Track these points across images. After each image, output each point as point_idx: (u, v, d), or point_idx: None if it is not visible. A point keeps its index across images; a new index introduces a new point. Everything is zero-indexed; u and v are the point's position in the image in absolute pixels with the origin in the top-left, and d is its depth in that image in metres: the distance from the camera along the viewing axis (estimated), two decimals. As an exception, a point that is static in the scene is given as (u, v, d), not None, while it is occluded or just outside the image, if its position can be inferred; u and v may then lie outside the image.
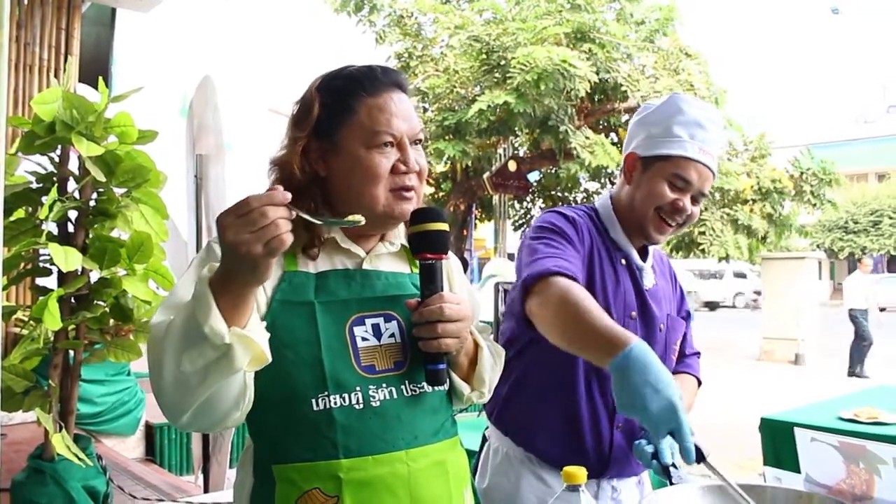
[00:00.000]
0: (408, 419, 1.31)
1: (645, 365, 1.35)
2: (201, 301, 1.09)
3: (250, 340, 1.10)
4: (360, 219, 1.20)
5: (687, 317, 2.02)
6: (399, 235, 1.44)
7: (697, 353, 2.04)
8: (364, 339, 1.32)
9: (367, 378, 1.30)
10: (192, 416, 1.19)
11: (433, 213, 1.34)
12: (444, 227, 1.33)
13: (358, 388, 1.28)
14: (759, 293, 21.15)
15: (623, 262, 1.84)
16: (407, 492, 1.27)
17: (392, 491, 1.26)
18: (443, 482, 1.34)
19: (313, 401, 1.26)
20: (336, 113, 1.35)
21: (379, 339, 1.33)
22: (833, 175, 12.90)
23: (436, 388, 1.35)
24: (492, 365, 1.48)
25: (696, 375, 1.98)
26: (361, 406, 1.27)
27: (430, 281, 1.31)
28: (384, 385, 1.31)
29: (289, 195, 1.07)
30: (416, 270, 1.40)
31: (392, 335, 1.35)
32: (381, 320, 1.34)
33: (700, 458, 1.40)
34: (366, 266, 1.38)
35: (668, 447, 1.55)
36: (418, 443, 1.31)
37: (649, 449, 1.55)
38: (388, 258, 1.43)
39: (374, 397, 1.29)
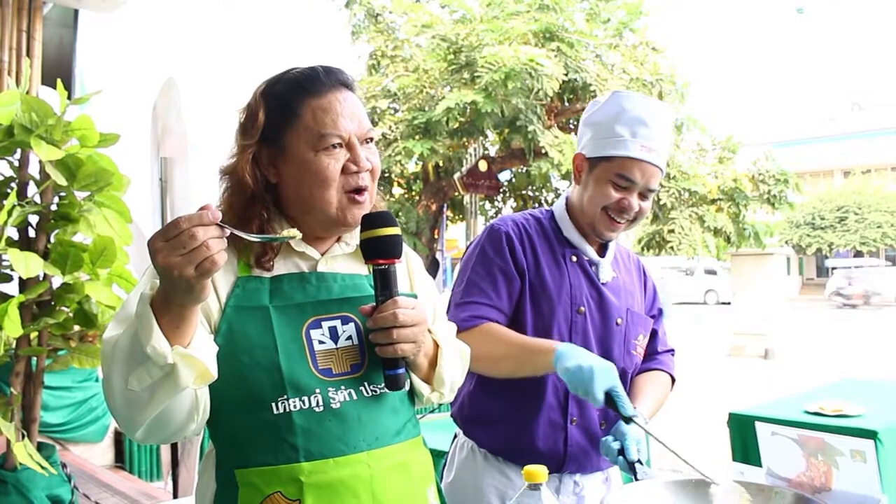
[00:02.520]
0: (368, 420, 1.30)
1: (574, 352, 1.64)
2: (143, 321, 1.08)
3: (193, 359, 1.10)
4: (295, 234, 1.19)
5: (659, 314, 2.05)
6: (355, 236, 1.40)
7: (671, 350, 2.06)
8: (321, 342, 1.31)
9: (326, 381, 1.29)
10: (146, 431, 1.19)
11: (383, 217, 1.31)
12: (396, 231, 1.30)
13: (317, 391, 1.27)
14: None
15: (573, 259, 1.87)
16: (369, 493, 1.27)
17: (354, 493, 1.25)
18: (405, 483, 1.34)
19: (273, 404, 1.25)
20: (281, 118, 1.33)
21: (336, 342, 1.32)
22: (788, 175, 13.07)
23: (393, 390, 1.33)
24: (454, 365, 1.48)
25: (669, 372, 2.00)
26: (321, 408, 1.27)
27: (384, 286, 1.29)
28: (343, 387, 1.30)
29: (219, 214, 1.05)
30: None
31: (349, 338, 1.34)
32: (337, 323, 1.33)
33: (631, 418, 1.60)
34: (321, 268, 1.37)
35: (634, 443, 1.59)
36: (380, 444, 1.30)
37: (615, 445, 1.61)
38: (344, 259, 1.41)
39: (333, 399, 1.28)
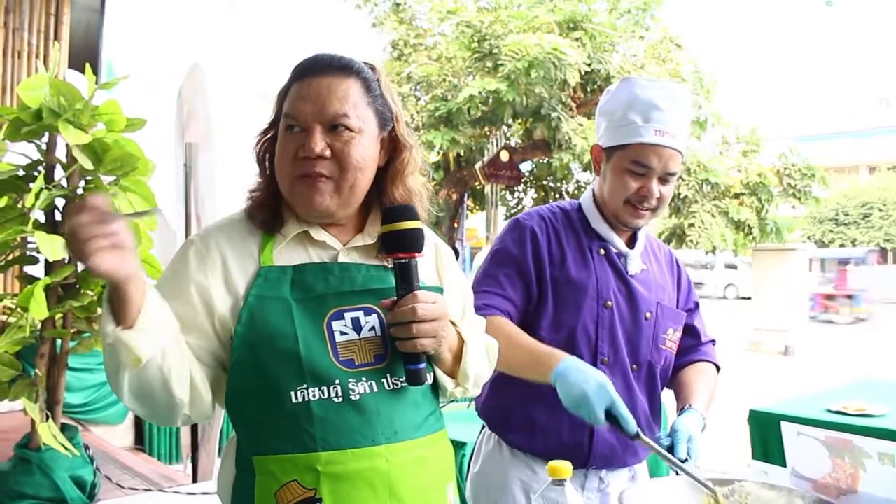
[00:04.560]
0: (388, 413, 1.30)
1: (575, 368, 1.62)
2: (105, 301, 1.17)
3: (124, 344, 1.15)
4: (149, 210, 1.27)
5: (695, 307, 2.04)
6: (377, 227, 1.39)
7: (713, 341, 2.06)
8: (343, 333, 1.31)
9: (347, 372, 1.29)
10: (133, 407, 1.28)
11: (405, 210, 1.31)
12: (417, 225, 1.31)
13: (337, 381, 1.27)
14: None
15: (601, 251, 1.85)
16: (386, 487, 1.26)
17: (371, 485, 1.25)
18: (424, 478, 1.33)
19: (291, 393, 1.26)
20: (279, 103, 1.37)
21: (359, 333, 1.32)
22: (814, 170, 12.93)
23: (414, 386, 1.33)
24: (479, 360, 1.47)
25: (713, 362, 2.00)
26: (340, 399, 1.27)
27: (404, 280, 1.29)
28: (364, 379, 1.30)
29: (99, 201, 1.08)
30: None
31: (372, 328, 1.33)
32: (360, 314, 1.33)
33: (637, 435, 1.58)
34: (342, 258, 1.36)
35: (685, 441, 1.60)
36: (399, 438, 1.30)
37: (667, 442, 1.61)
38: (366, 250, 1.40)
39: (353, 390, 1.28)
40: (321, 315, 1.30)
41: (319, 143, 1.28)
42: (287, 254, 1.35)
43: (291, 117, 1.31)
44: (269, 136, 1.39)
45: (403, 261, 1.29)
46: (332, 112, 1.29)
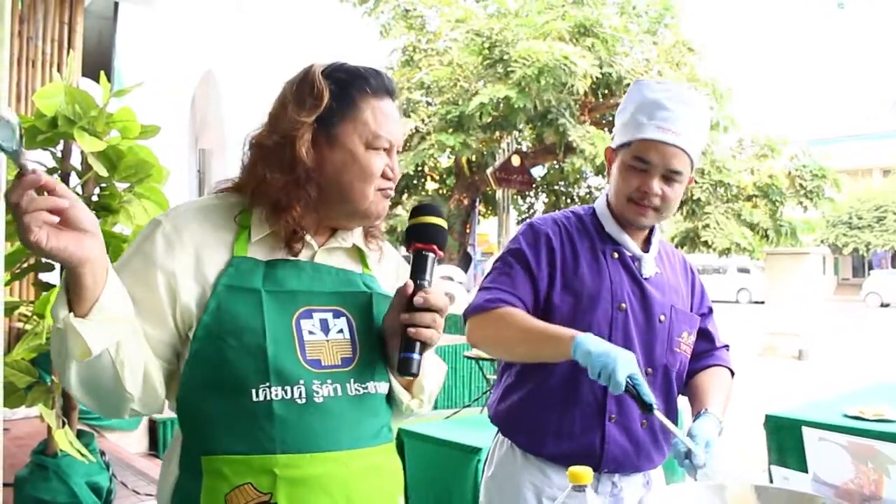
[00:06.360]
0: (350, 419, 1.28)
1: (596, 340, 1.60)
2: (61, 283, 1.12)
3: (76, 333, 1.08)
4: (37, 168, 1.05)
5: (709, 312, 2.04)
6: (354, 234, 1.42)
7: (727, 346, 2.06)
8: (311, 332, 1.29)
9: (312, 372, 1.26)
10: (83, 400, 1.21)
11: (435, 208, 1.39)
12: (444, 223, 1.37)
13: (301, 382, 1.24)
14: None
15: (614, 255, 1.85)
16: (343, 493, 1.24)
17: (328, 492, 1.23)
18: (378, 486, 1.32)
19: (253, 391, 1.22)
20: (341, 106, 1.32)
21: (326, 335, 1.30)
22: (826, 171, 12.87)
23: (405, 376, 1.32)
24: (435, 376, 1.49)
25: (727, 366, 1.99)
26: (304, 401, 1.24)
27: (422, 271, 1.33)
28: (329, 381, 1.27)
29: (41, 179, 1.00)
30: (367, 270, 1.42)
31: (340, 331, 1.32)
32: (329, 315, 1.32)
33: (651, 406, 1.57)
34: (318, 259, 1.36)
35: (703, 446, 1.60)
36: (358, 444, 1.28)
37: (682, 448, 1.60)
38: (339, 254, 1.40)
39: (317, 392, 1.25)
40: (290, 311, 1.28)
41: (396, 166, 1.38)
42: (261, 247, 1.31)
43: (386, 139, 1.34)
44: (313, 127, 1.31)
45: (426, 253, 1.33)
46: (402, 139, 1.42)
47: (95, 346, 1.10)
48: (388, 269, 1.48)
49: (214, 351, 1.21)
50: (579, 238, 1.87)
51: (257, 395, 1.22)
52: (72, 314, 1.09)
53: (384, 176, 1.35)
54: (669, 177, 1.78)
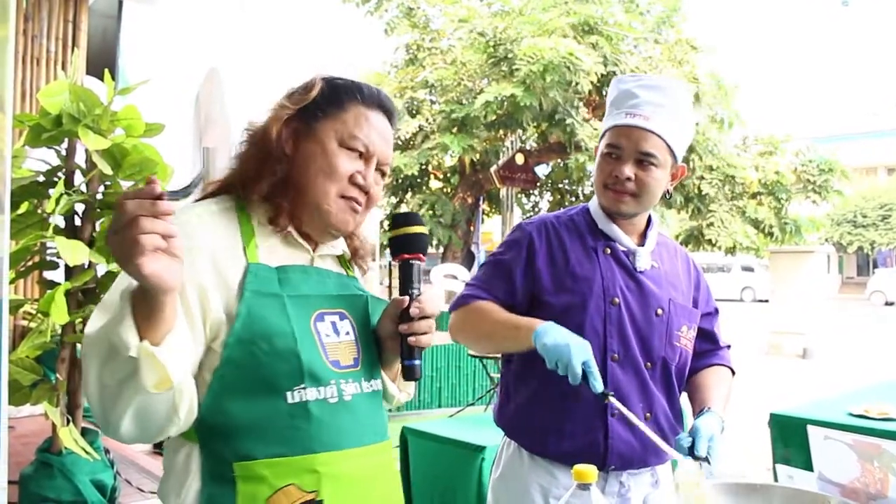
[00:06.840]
0: (370, 415, 1.35)
1: (553, 330, 1.66)
2: (119, 310, 1.04)
3: (156, 361, 1.04)
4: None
5: (714, 312, 2.05)
6: (341, 242, 1.47)
7: (728, 346, 2.07)
8: (327, 335, 1.32)
9: (337, 372, 1.30)
10: (127, 430, 1.13)
11: (414, 217, 1.43)
12: (425, 230, 1.43)
13: (332, 382, 1.28)
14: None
15: (606, 251, 1.87)
16: (375, 486, 1.31)
17: (361, 485, 1.28)
18: (395, 478, 1.41)
19: (288, 393, 1.23)
20: (327, 104, 1.36)
21: (338, 336, 1.34)
22: (833, 164, 12.82)
23: (410, 381, 1.40)
24: None
25: (728, 366, 2.01)
26: (335, 399, 1.28)
27: (411, 279, 1.38)
28: (351, 380, 1.32)
29: (157, 189, 0.96)
30: (352, 274, 1.48)
31: (347, 333, 1.37)
32: (336, 318, 1.36)
33: (605, 394, 1.62)
34: (317, 263, 1.39)
35: (706, 440, 1.61)
36: (378, 439, 1.35)
37: (687, 442, 1.62)
38: (331, 260, 1.45)
39: (345, 391, 1.30)
40: (308, 315, 1.30)
41: (370, 177, 1.37)
42: (268, 252, 1.32)
43: (362, 142, 1.34)
44: (292, 114, 1.34)
45: (411, 262, 1.38)
46: (388, 158, 1.41)
47: (176, 375, 1.07)
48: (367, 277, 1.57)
49: (247, 356, 1.21)
50: (569, 236, 1.90)
51: (292, 397, 1.24)
52: (146, 342, 1.03)
53: (353, 181, 1.34)
54: (642, 160, 1.81)
